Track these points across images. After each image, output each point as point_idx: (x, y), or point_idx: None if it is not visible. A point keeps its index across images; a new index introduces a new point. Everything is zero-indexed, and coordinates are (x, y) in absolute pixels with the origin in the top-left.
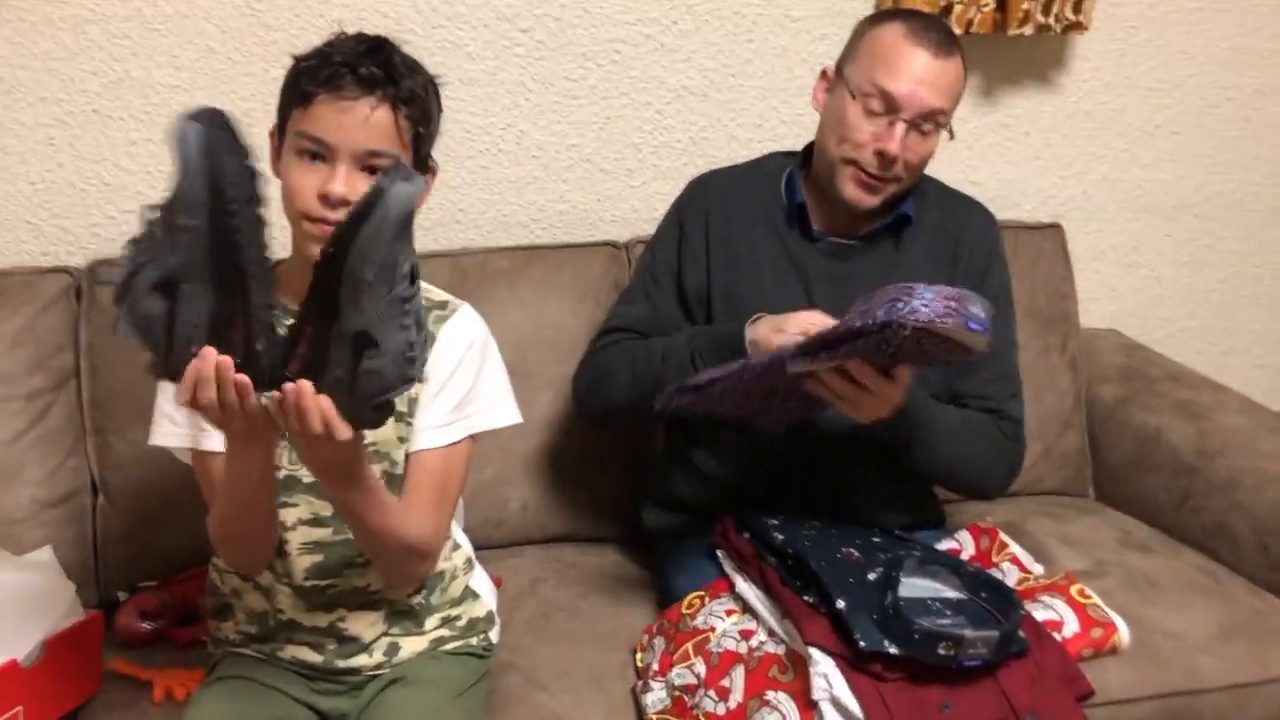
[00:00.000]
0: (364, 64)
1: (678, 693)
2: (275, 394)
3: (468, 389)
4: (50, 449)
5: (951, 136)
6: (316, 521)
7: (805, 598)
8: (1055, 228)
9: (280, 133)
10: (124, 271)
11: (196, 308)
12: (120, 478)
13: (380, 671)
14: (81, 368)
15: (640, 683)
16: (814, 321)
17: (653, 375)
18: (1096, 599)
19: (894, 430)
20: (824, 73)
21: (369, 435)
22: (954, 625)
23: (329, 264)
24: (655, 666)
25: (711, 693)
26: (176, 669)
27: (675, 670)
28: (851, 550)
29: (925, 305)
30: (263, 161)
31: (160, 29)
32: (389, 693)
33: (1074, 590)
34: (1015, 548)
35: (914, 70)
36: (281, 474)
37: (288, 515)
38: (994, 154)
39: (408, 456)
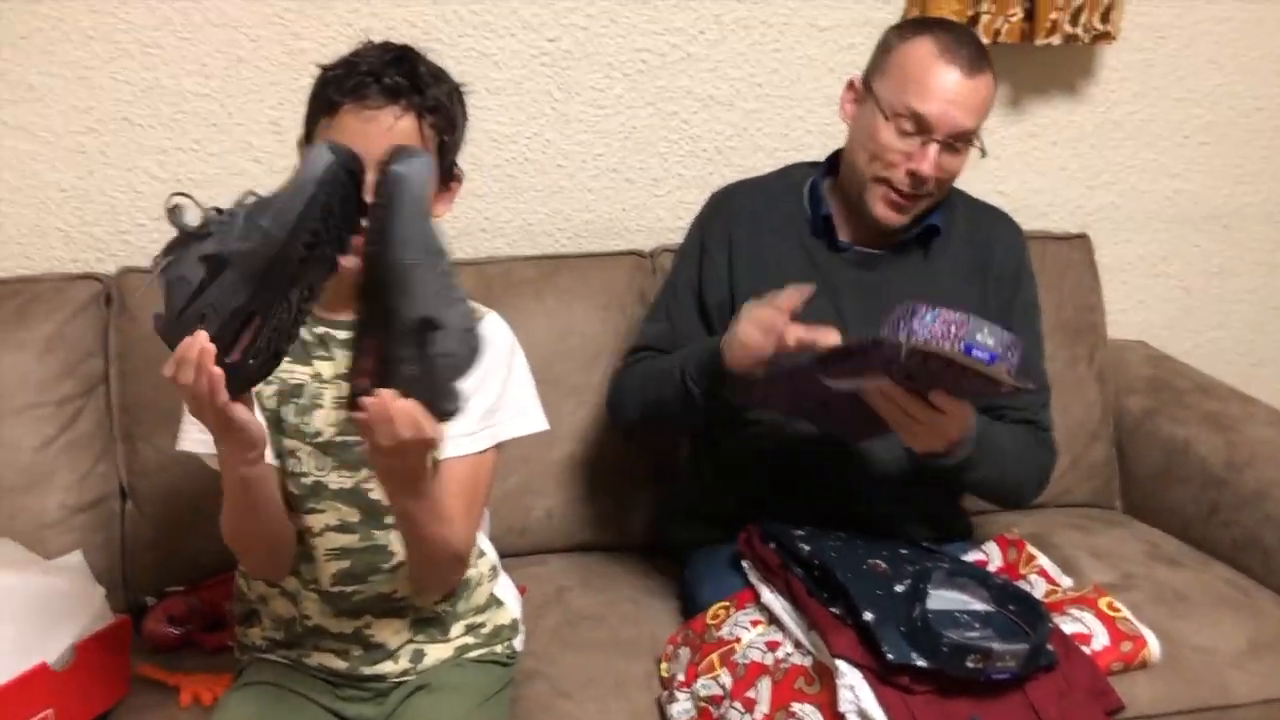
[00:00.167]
0: (389, 73)
1: (703, 704)
2: (358, 414)
3: (495, 397)
4: (80, 455)
5: (984, 154)
6: (343, 528)
7: (832, 609)
8: (1083, 238)
9: (308, 142)
10: (193, 229)
11: (227, 296)
12: (148, 484)
13: (405, 678)
14: (111, 374)
15: (665, 693)
16: (772, 327)
17: (654, 395)
18: (1126, 612)
19: (945, 460)
20: (851, 84)
21: None
22: (982, 638)
23: (372, 264)
24: (680, 677)
25: (737, 704)
26: (203, 674)
27: (700, 681)
28: (878, 562)
29: (924, 327)
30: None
31: (190, 38)
32: (414, 700)
33: (1103, 603)
34: (1043, 560)
35: (946, 91)
36: (309, 480)
37: (315, 521)
38: (1021, 164)
39: (435, 464)
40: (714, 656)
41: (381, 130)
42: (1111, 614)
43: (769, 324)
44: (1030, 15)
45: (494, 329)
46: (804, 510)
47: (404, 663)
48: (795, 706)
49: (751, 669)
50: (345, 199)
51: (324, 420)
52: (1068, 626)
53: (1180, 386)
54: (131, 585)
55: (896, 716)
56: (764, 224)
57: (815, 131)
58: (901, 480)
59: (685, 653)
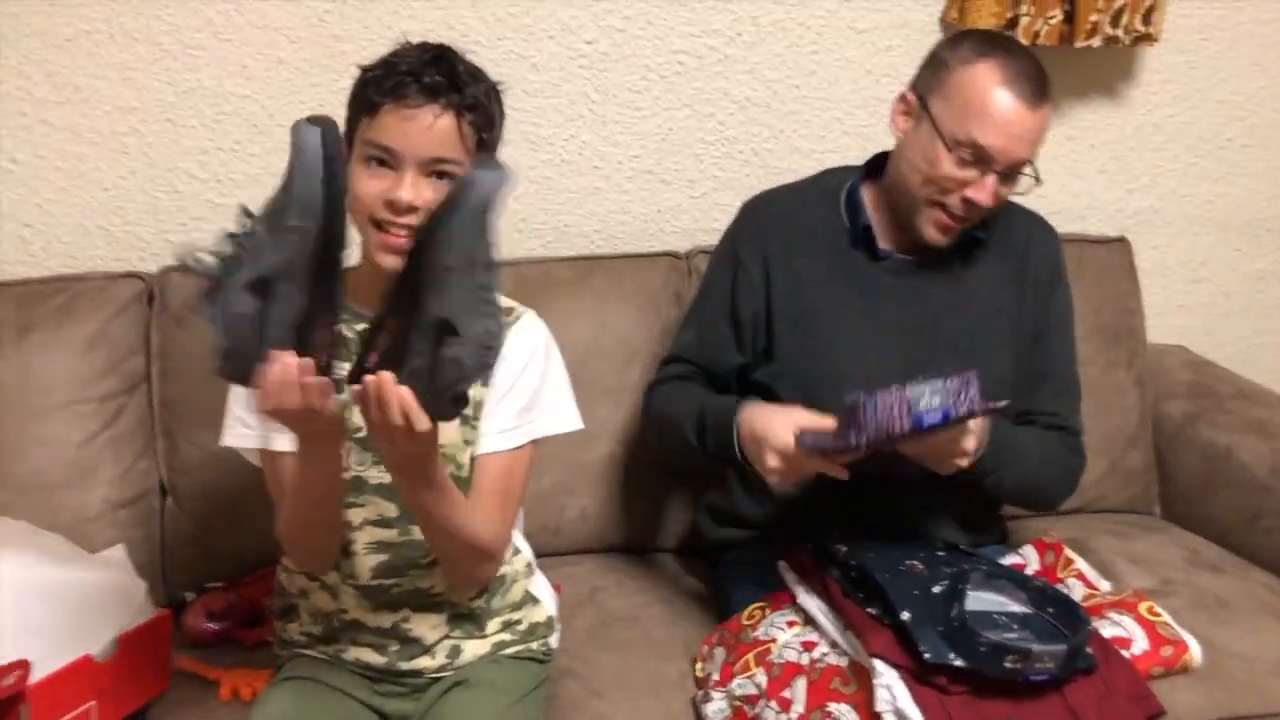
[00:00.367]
0: (428, 73)
1: (738, 703)
2: (355, 387)
3: (532, 394)
4: (122, 451)
5: (1039, 182)
6: (383, 522)
7: (869, 609)
8: (1122, 242)
9: (348, 142)
10: (220, 267)
11: (286, 309)
12: (188, 480)
13: (442, 674)
14: (152, 372)
15: (700, 693)
16: (800, 423)
17: (673, 443)
18: (1166, 617)
19: (972, 472)
20: (904, 98)
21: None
22: (1020, 639)
23: (416, 253)
24: (716, 677)
25: (773, 703)
26: (242, 669)
27: (736, 681)
28: (915, 563)
29: (871, 421)
30: None
31: (232, 40)
32: (451, 695)
33: (1143, 608)
34: (1081, 564)
35: (1010, 125)
36: (349, 475)
37: (354, 515)
38: (1060, 167)
39: (472, 460)
40: (749, 656)
41: (421, 129)
42: (1151, 619)
43: (786, 466)
44: (1070, 17)
45: (531, 327)
46: (839, 514)
47: (441, 658)
48: (831, 706)
49: (787, 669)
50: (343, 158)
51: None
52: (1107, 630)
53: (1222, 392)
54: (171, 581)
55: (933, 716)
56: (800, 234)
57: (852, 134)
58: (936, 485)
59: (720, 653)
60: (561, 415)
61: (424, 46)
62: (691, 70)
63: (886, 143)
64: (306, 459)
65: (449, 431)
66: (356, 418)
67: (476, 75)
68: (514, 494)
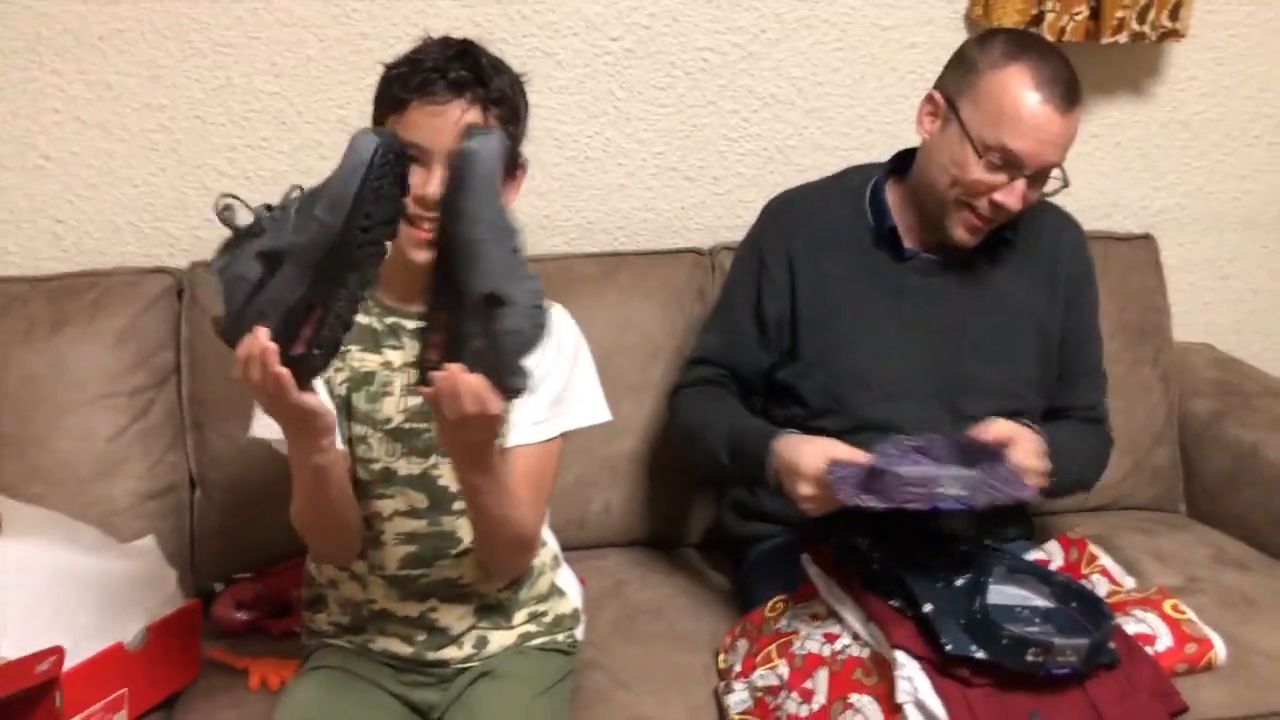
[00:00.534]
0: (453, 68)
1: (760, 694)
2: (426, 390)
3: (562, 386)
4: (151, 444)
5: (1067, 184)
6: (412, 513)
7: (891, 602)
8: (1147, 239)
9: None
10: (246, 227)
11: (285, 291)
12: (217, 473)
13: (469, 664)
14: (181, 366)
15: (723, 684)
16: (834, 455)
17: (700, 457)
18: (1191, 614)
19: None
20: (931, 98)
21: None
22: (1043, 632)
23: (443, 238)
24: (738, 668)
25: (795, 694)
26: (271, 658)
27: (758, 672)
28: (938, 557)
29: (892, 489)
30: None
31: (260, 37)
32: (478, 686)
33: (1167, 605)
34: (1105, 560)
35: (1040, 130)
36: (379, 466)
37: (384, 506)
38: (1086, 164)
39: (503, 450)
40: (772, 648)
41: (449, 124)
42: (1176, 616)
43: (818, 495)
44: (1096, 13)
45: (559, 321)
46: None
47: (468, 648)
48: (853, 697)
49: (809, 660)
50: (393, 182)
51: (394, 407)
52: (1131, 627)
53: (1249, 390)
54: (200, 572)
55: (955, 708)
56: (824, 235)
57: (877, 131)
58: None
59: (743, 644)
60: (591, 408)
61: (447, 41)
62: (716, 67)
63: (910, 140)
64: (291, 446)
65: None
66: (385, 409)
67: (500, 68)
68: (545, 485)
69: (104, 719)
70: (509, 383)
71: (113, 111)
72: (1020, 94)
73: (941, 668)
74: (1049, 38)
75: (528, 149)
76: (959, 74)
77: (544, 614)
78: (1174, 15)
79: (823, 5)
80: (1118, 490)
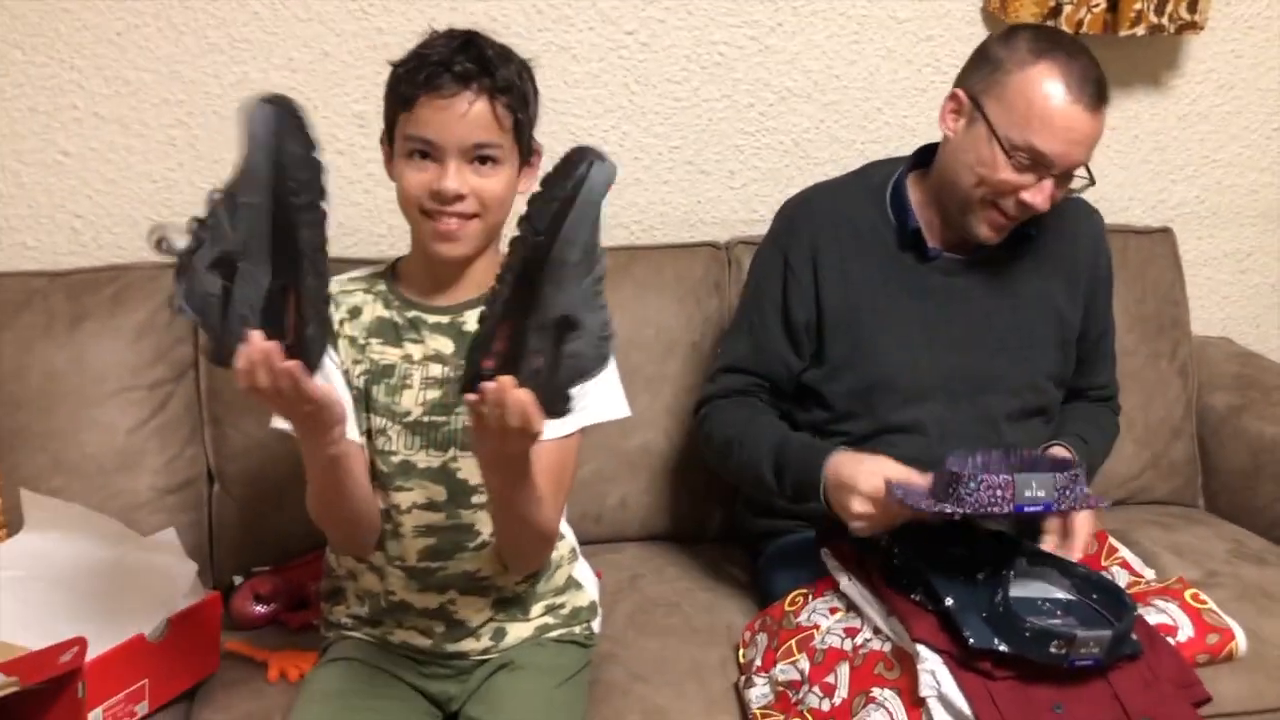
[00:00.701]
0: (458, 60)
1: (781, 688)
2: (471, 396)
3: None
4: (170, 438)
5: (1092, 182)
6: (430, 506)
7: (912, 596)
8: (1166, 232)
9: (389, 138)
10: (186, 247)
11: (252, 288)
12: (235, 467)
13: (487, 657)
14: (200, 360)
15: (743, 678)
16: (889, 474)
17: (734, 470)
18: (1212, 604)
19: None
20: (954, 96)
21: None
22: (1065, 625)
23: (536, 251)
24: (759, 662)
25: (816, 689)
26: (290, 651)
27: (779, 666)
28: (958, 550)
29: (970, 495)
30: (332, 155)
31: (277, 33)
32: (496, 678)
33: (1188, 595)
34: (1125, 552)
35: (1070, 131)
36: (398, 459)
37: (403, 499)
38: (1103, 157)
39: None
40: (792, 642)
41: (457, 116)
42: (1198, 606)
43: (874, 513)
44: (1114, 6)
45: None
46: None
47: (485, 641)
48: (875, 691)
49: (830, 654)
50: (298, 138)
51: (413, 400)
52: (1152, 618)
53: (1268, 383)
54: (218, 565)
55: (978, 702)
56: (847, 237)
57: (893, 124)
58: None
59: (763, 639)
60: (611, 403)
61: (451, 34)
62: (732, 60)
63: (927, 133)
64: (304, 442)
65: None
66: (404, 402)
67: (507, 56)
68: (565, 481)
69: (125, 709)
70: (556, 405)
71: (131, 107)
72: (1049, 93)
73: (964, 661)
74: (1067, 30)
75: (544, 140)
76: (983, 72)
77: (561, 607)
78: (1192, 8)
79: None
80: (1136, 484)
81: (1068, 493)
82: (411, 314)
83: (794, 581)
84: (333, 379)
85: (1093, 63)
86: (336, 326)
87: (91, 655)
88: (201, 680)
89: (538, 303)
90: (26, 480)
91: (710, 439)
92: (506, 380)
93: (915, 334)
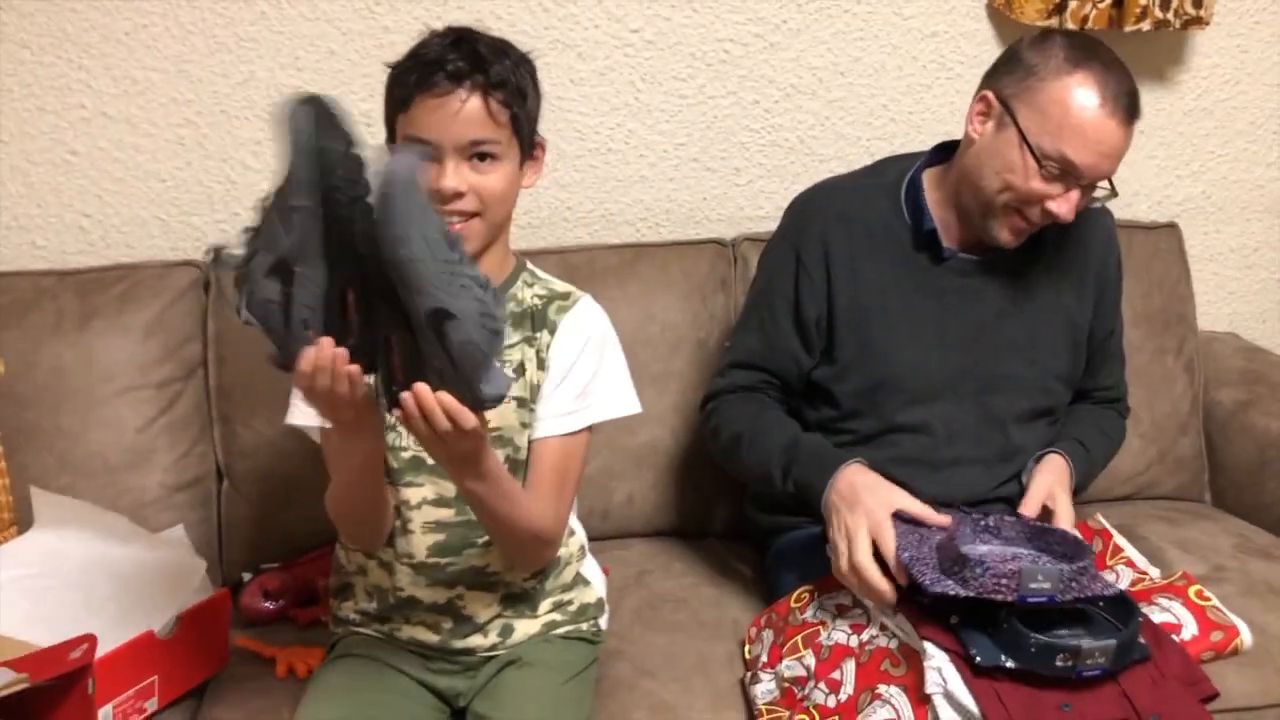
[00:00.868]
0: (450, 59)
1: (787, 684)
2: (397, 412)
3: (589, 379)
4: (179, 435)
5: (1115, 194)
6: (440, 502)
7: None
8: (1172, 227)
9: (391, 141)
10: (242, 256)
11: (311, 290)
12: (244, 464)
13: (495, 652)
14: (209, 358)
15: (749, 674)
16: (900, 505)
17: (740, 467)
18: (1216, 600)
19: None
20: (984, 98)
21: (493, 421)
22: (1071, 636)
23: (374, 265)
24: (764, 658)
25: (822, 685)
26: (298, 647)
27: (785, 662)
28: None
29: (975, 579)
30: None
31: (284, 32)
32: (504, 674)
33: (1192, 592)
34: (1130, 551)
35: (1102, 144)
36: (408, 455)
37: (412, 495)
38: None
39: (530, 443)
40: (798, 639)
41: (451, 115)
42: (1201, 603)
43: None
44: (1118, 1)
45: (588, 311)
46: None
47: (493, 637)
48: (881, 688)
49: (836, 651)
50: (339, 136)
51: None
52: (1156, 616)
53: (1275, 379)
54: (227, 562)
55: (985, 700)
56: (861, 235)
57: (899, 120)
58: (990, 486)
59: (769, 635)
60: (619, 400)
61: (445, 32)
62: (737, 58)
63: (932, 129)
64: (341, 443)
65: (506, 415)
66: None
67: (502, 51)
68: (571, 478)
69: (135, 705)
70: (480, 393)
71: (139, 106)
72: (1085, 105)
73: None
74: (1071, 25)
75: (549, 139)
76: (1015, 76)
77: (569, 603)
78: (1198, 3)
79: None
80: (1142, 480)
81: (1074, 584)
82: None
83: (800, 577)
84: None
85: (1127, 75)
86: None
87: (101, 652)
88: (211, 677)
89: (404, 308)
90: (36, 478)
91: (717, 434)
92: (421, 386)
93: (925, 334)
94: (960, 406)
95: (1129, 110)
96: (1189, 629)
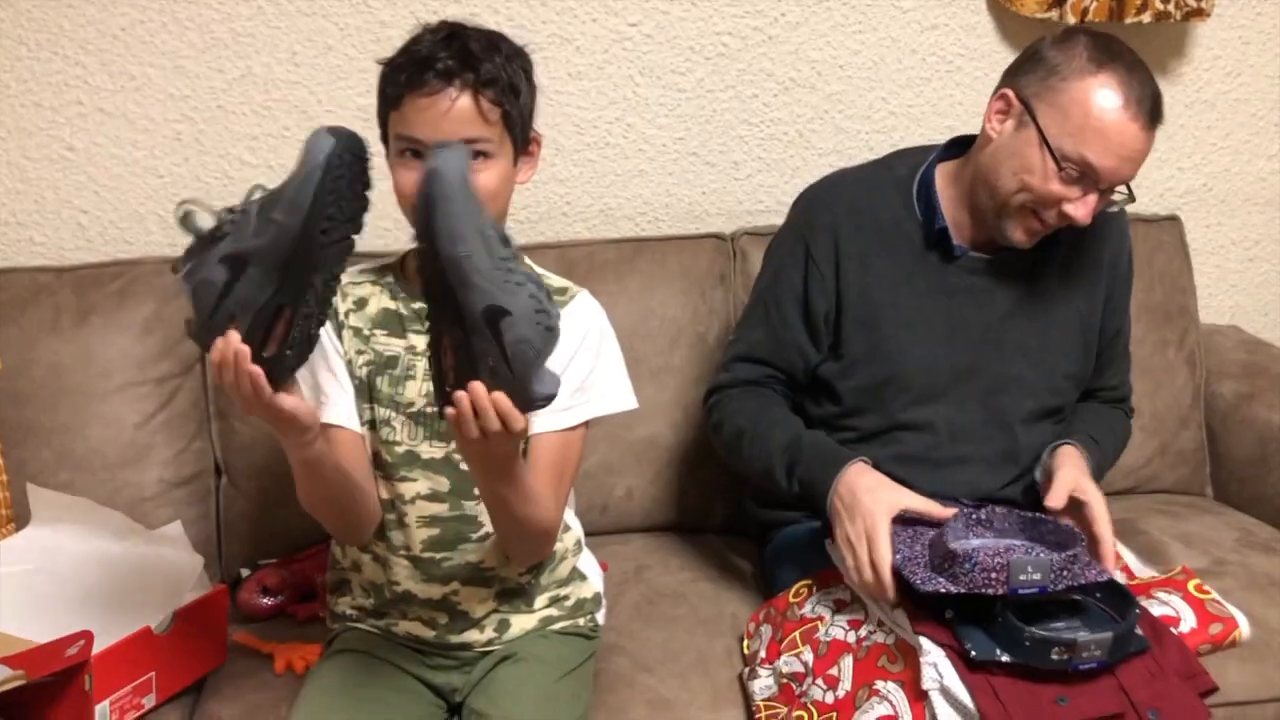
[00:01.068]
0: (440, 57)
1: (785, 680)
2: (450, 410)
3: (586, 374)
4: (177, 432)
5: (1133, 198)
6: (434, 496)
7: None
8: (1174, 220)
9: (384, 139)
10: (208, 231)
11: (252, 293)
12: (242, 460)
13: (491, 648)
14: (206, 355)
15: (747, 670)
16: (906, 505)
17: (743, 463)
18: (1215, 594)
19: None
20: (1004, 96)
21: None
22: (1067, 629)
23: (427, 262)
24: (763, 654)
25: (820, 681)
26: (296, 643)
27: (783, 658)
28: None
29: (965, 574)
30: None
31: (281, 27)
32: (500, 669)
33: (1191, 585)
34: (1127, 556)
35: (1124, 149)
36: (402, 449)
37: (407, 489)
38: None
39: (527, 439)
40: (796, 634)
41: (440, 114)
42: (1200, 596)
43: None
44: None
45: (585, 307)
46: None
47: (489, 632)
48: (878, 684)
49: (834, 646)
50: (352, 180)
51: (416, 391)
52: (1155, 609)
53: (1277, 372)
54: (225, 558)
55: (981, 695)
56: (871, 231)
57: (898, 114)
58: (994, 486)
59: (767, 630)
60: (616, 395)
61: (438, 28)
62: (735, 51)
63: (932, 122)
64: (281, 438)
65: None
66: (408, 393)
67: (494, 46)
68: (568, 474)
69: (133, 701)
70: (533, 393)
71: (136, 102)
72: (1108, 107)
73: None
74: (1071, 18)
75: (547, 133)
76: (1037, 75)
77: (565, 598)
78: None
79: None
80: (1143, 473)
81: (1064, 574)
82: (417, 305)
83: (799, 573)
84: (335, 369)
85: (1149, 78)
86: (342, 316)
87: (98, 648)
88: (209, 672)
89: (458, 306)
90: (33, 475)
91: (720, 428)
92: (477, 385)
93: (933, 332)
94: (965, 406)
95: (1151, 114)
96: (1188, 622)
